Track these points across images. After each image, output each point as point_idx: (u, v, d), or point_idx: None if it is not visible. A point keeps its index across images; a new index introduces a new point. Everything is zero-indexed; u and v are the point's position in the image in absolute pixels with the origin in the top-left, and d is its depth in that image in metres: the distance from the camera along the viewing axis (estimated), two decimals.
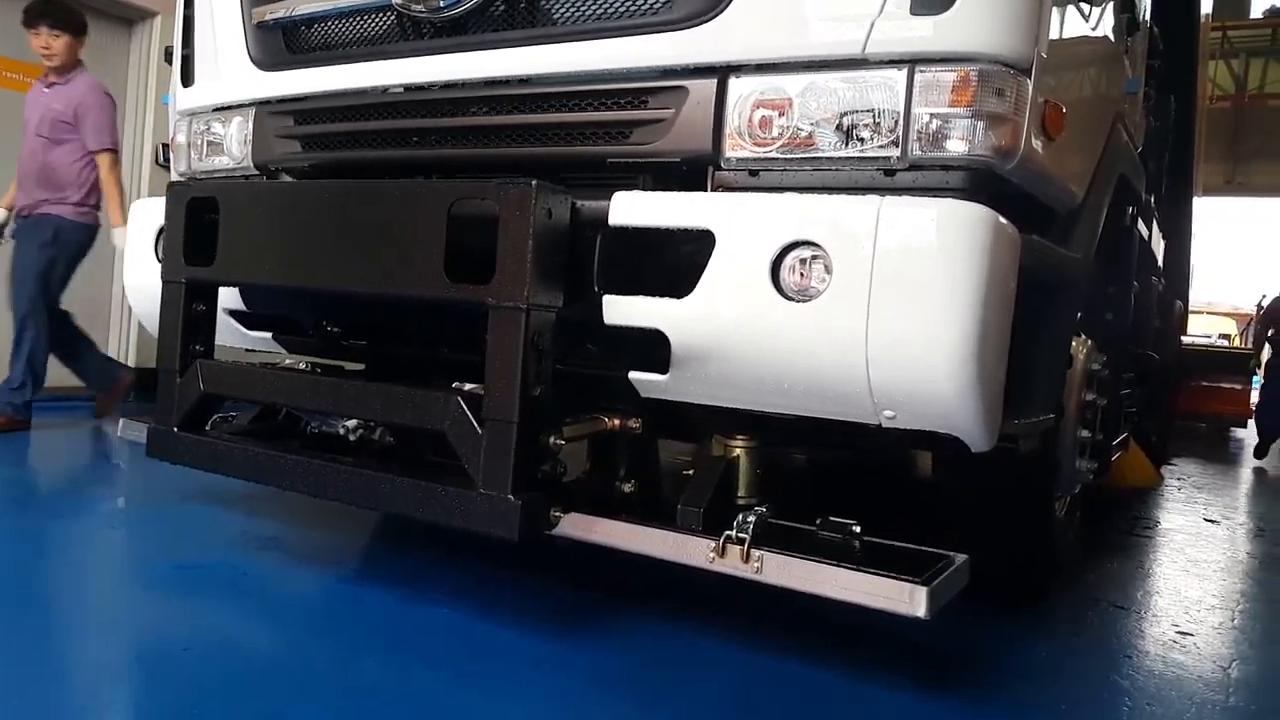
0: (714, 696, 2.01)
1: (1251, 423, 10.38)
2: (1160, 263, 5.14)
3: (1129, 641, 2.61)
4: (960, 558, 1.95)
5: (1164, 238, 5.29)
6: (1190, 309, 8.13)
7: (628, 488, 2.26)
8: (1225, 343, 18.33)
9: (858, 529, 2.00)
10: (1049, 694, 2.16)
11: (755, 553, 1.88)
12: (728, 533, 1.92)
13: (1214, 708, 2.13)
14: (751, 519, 1.93)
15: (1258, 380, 10.38)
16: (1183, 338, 7.97)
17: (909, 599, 1.74)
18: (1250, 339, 19.85)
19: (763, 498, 2.19)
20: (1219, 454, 9.28)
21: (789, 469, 4.98)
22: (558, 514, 2.02)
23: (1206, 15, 6.94)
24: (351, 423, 2.52)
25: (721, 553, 1.91)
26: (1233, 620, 2.89)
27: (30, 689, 1.77)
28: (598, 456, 2.30)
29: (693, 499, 2.08)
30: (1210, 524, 4.68)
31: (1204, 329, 20.07)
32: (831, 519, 2.03)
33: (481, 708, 1.85)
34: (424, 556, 2.83)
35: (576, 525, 2.06)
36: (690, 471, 2.22)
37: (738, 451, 2.21)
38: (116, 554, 2.84)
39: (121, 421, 2.98)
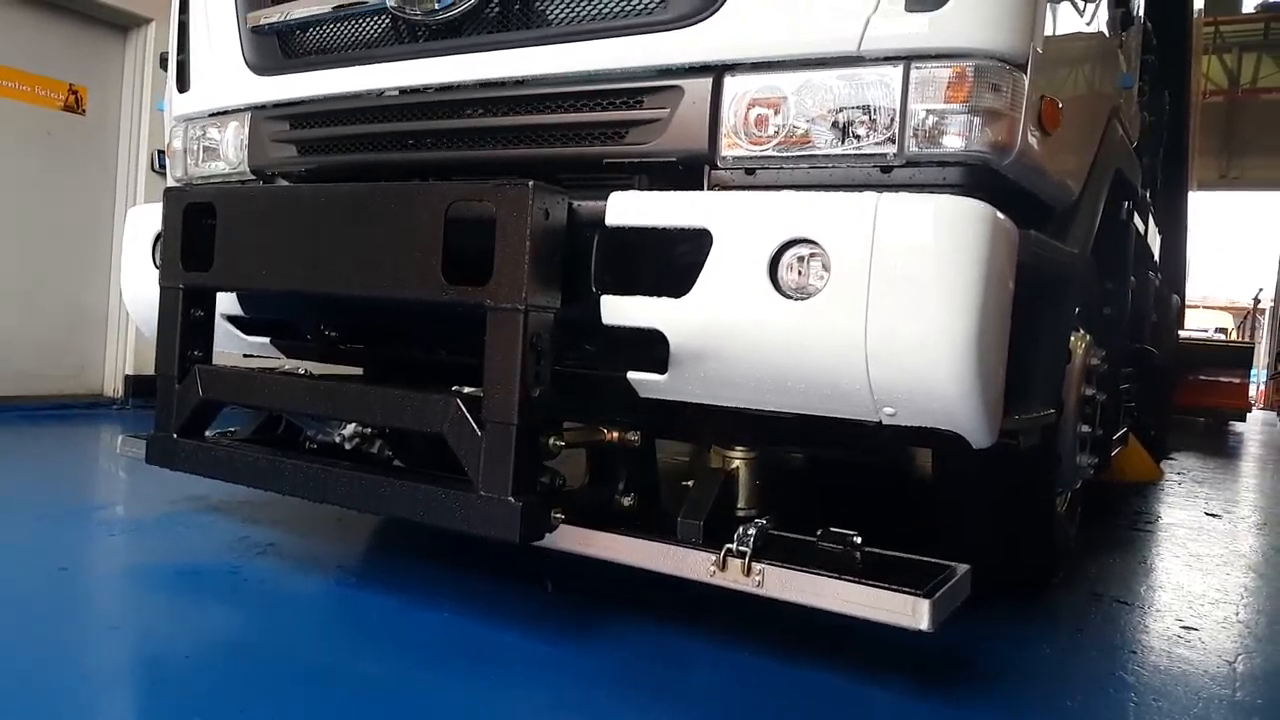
0: (717, 693, 2.00)
1: (1251, 417, 10.41)
2: (1157, 257, 5.15)
3: (1133, 637, 2.60)
4: (962, 568, 1.96)
5: (1160, 232, 5.30)
6: (1187, 303, 8.15)
7: (627, 501, 2.25)
8: (1222, 337, 18.38)
9: (859, 539, 2.00)
10: (1053, 691, 2.16)
11: (756, 566, 1.89)
12: (728, 546, 1.92)
13: (1221, 702, 2.13)
14: (752, 531, 1.93)
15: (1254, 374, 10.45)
16: (1179, 332, 7.98)
17: (912, 611, 1.75)
18: (1248, 333, 19.92)
19: (763, 508, 2.18)
20: (1219, 448, 9.28)
21: (790, 468, 4.98)
22: (558, 515, 2.02)
23: (1199, 10, 6.95)
24: (348, 430, 2.52)
25: (722, 566, 1.92)
26: (1237, 614, 2.89)
27: (32, 697, 1.76)
28: (597, 469, 2.30)
29: (692, 512, 2.08)
30: (1212, 518, 4.68)
31: (1200, 323, 20.11)
32: (832, 530, 2.03)
33: (486, 708, 1.84)
34: (424, 561, 2.82)
35: (576, 539, 2.07)
36: (690, 482, 2.22)
37: (737, 463, 2.21)
38: (116, 560, 2.83)
39: (120, 438, 2.98)
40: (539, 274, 1.87)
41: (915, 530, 2.92)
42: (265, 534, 3.01)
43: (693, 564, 1.96)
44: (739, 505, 2.19)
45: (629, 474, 2.27)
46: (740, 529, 1.95)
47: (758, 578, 1.88)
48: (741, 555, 1.90)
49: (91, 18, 6.27)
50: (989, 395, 1.76)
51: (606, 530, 2.06)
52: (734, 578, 1.91)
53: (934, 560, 1.99)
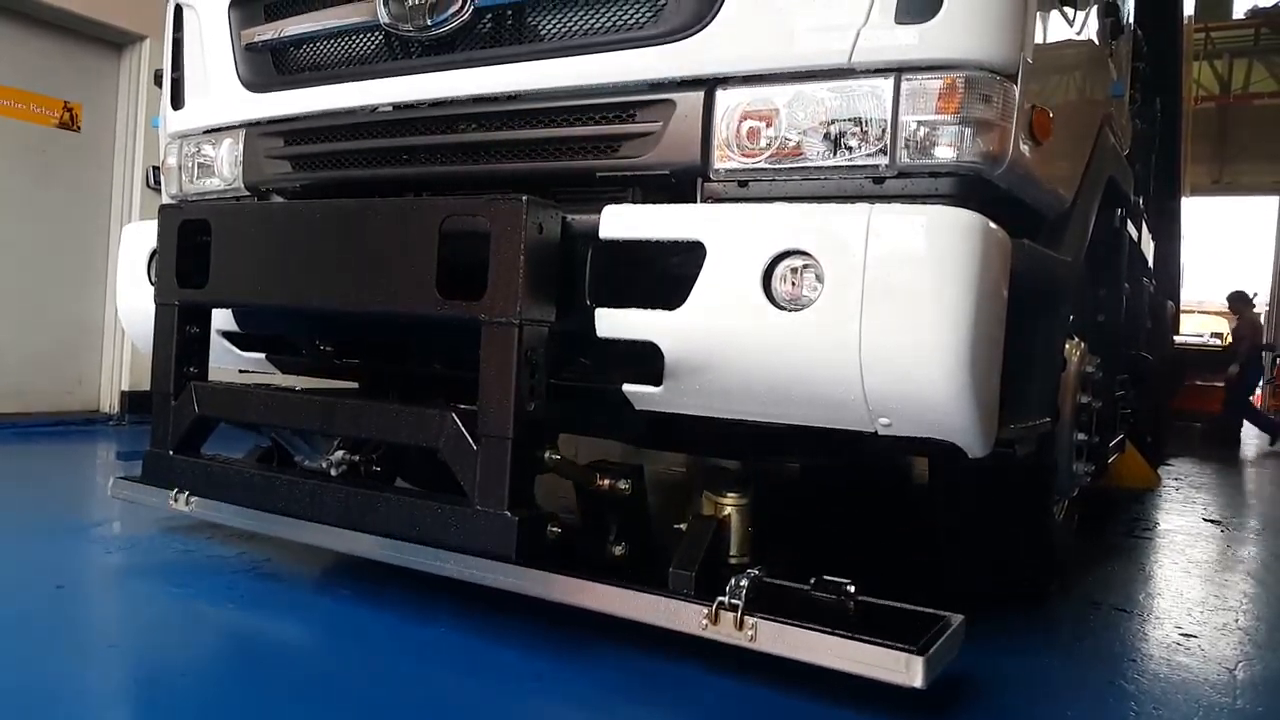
0: (715, 707, 1.99)
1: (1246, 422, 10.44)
2: (1150, 263, 5.16)
3: (1132, 645, 2.60)
4: (956, 619, 1.96)
5: (1153, 238, 5.32)
6: (1182, 308, 8.16)
7: (619, 550, 2.24)
8: (1217, 341, 18.38)
9: (852, 588, 1.99)
10: (1052, 701, 2.15)
11: (749, 620, 1.88)
12: (720, 599, 1.92)
13: (1221, 710, 2.12)
14: (744, 583, 1.93)
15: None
16: (1174, 338, 7.99)
17: (905, 668, 1.75)
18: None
19: (755, 557, 2.17)
20: (1216, 453, 9.28)
21: (787, 479, 4.99)
22: (555, 530, 2.02)
23: (1189, 17, 6.99)
24: (335, 456, 2.53)
25: (715, 620, 1.92)
26: (1236, 621, 2.88)
27: (29, 715, 1.75)
28: (587, 512, 2.28)
29: (684, 562, 2.05)
30: (1210, 524, 4.68)
31: (1196, 328, 20.10)
32: (826, 578, 2.03)
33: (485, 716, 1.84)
34: (421, 581, 2.81)
35: (569, 589, 2.07)
36: (682, 525, 2.20)
37: (729, 510, 2.19)
38: (113, 577, 2.82)
39: (112, 480, 2.99)
40: (533, 288, 1.87)
41: (916, 531, 2.91)
42: (260, 550, 3.00)
43: (685, 617, 1.96)
44: (731, 553, 2.17)
45: (620, 523, 2.25)
46: (733, 580, 1.94)
47: (750, 632, 1.88)
48: (734, 608, 1.89)
49: (86, 35, 6.27)
50: (983, 405, 1.76)
51: (598, 581, 2.06)
52: (727, 631, 1.90)
53: (928, 611, 1.99)
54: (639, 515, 2.30)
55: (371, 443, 2.66)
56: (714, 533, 2.13)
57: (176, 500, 2.84)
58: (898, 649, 1.76)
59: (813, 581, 2.03)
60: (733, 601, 1.90)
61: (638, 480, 2.24)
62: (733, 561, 2.16)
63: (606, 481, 2.20)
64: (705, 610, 1.92)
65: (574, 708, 1.94)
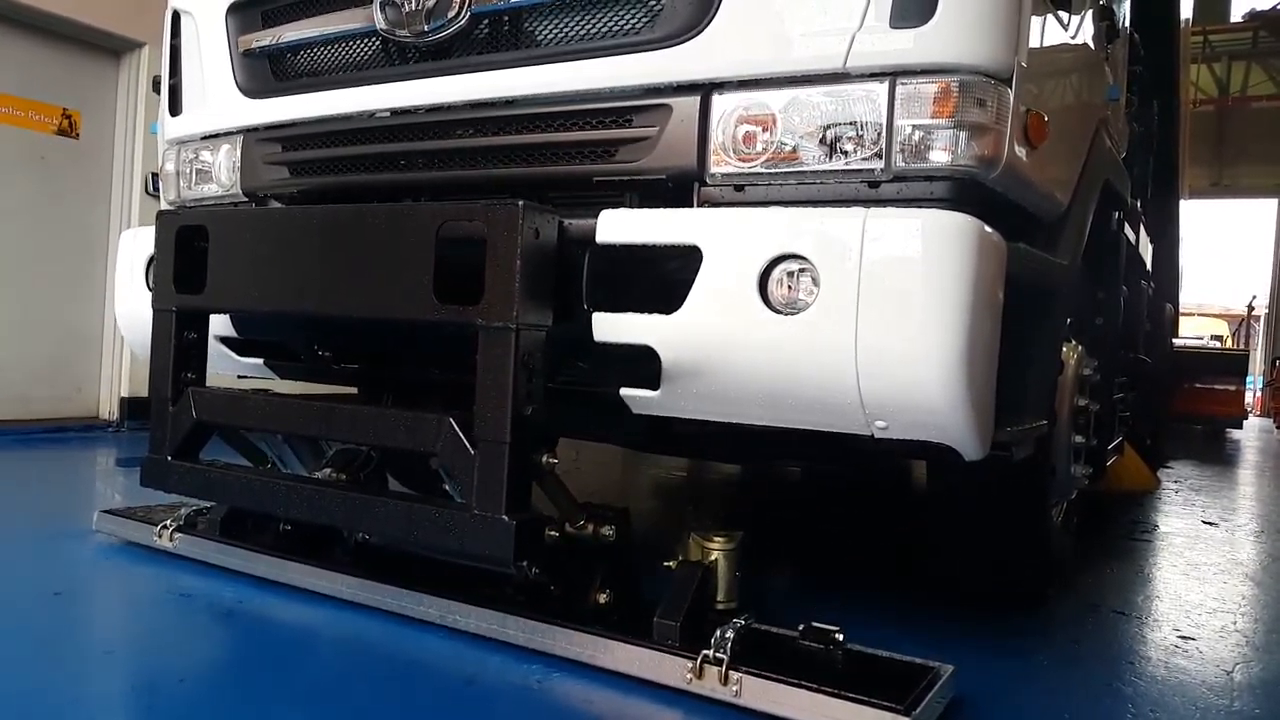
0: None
1: (1248, 424, 10.44)
2: (1149, 266, 5.16)
3: (1130, 647, 2.60)
4: (946, 669, 1.95)
5: (1152, 241, 5.33)
6: (1181, 311, 8.17)
7: (603, 598, 2.21)
8: (1218, 344, 18.40)
9: (841, 636, 1.99)
10: (1050, 703, 2.15)
11: (734, 674, 1.86)
12: (705, 652, 1.90)
13: (1219, 713, 2.12)
14: (729, 635, 1.92)
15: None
16: (1174, 340, 7.99)
17: None
18: (1243, 340, 19.95)
19: (742, 603, 2.15)
20: (1216, 455, 9.27)
21: (789, 480, 4.99)
22: (553, 534, 2.02)
23: (1186, 20, 7.01)
24: (323, 474, 2.54)
25: (699, 674, 1.90)
26: (1235, 623, 2.88)
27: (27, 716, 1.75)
28: (574, 565, 2.26)
29: (670, 611, 2.03)
30: (1209, 526, 4.68)
31: (1196, 331, 20.15)
32: (814, 625, 2.02)
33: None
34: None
35: (548, 637, 2.07)
36: (671, 564, 2.18)
37: (716, 554, 2.17)
38: (112, 584, 2.82)
39: (96, 515, 2.97)
40: (530, 292, 1.88)
41: (916, 531, 2.90)
42: None
43: (669, 670, 1.93)
44: (719, 598, 2.14)
45: (605, 570, 2.22)
46: (718, 632, 1.92)
47: (735, 687, 1.85)
48: (719, 663, 1.87)
49: (85, 42, 6.28)
50: (979, 408, 1.76)
51: (580, 630, 2.06)
52: (711, 686, 1.88)
53: (918, 662, 1.98)
54: (624, 561, 2.26)
55: (359, 460, 2.67)
56: (701, 578, 2.10)
57: (160, 536, 2.87)
58: (884, 708, 1.74)
59: (801, 629, 2.02)
60: (718, 655, 1.88)
61: (623, 525, 2.21)
62: (720, 607, 2.12)
63: (591, 527, 2.17)
64: (690, 664, 1.90)
65: (569, 711, 1.94)
